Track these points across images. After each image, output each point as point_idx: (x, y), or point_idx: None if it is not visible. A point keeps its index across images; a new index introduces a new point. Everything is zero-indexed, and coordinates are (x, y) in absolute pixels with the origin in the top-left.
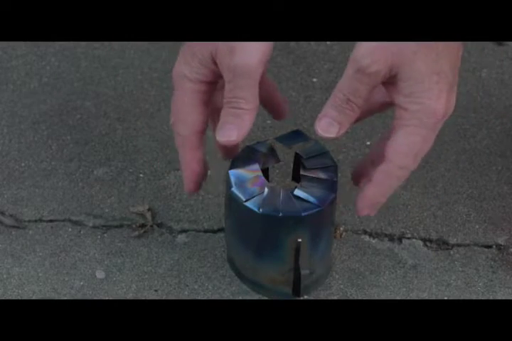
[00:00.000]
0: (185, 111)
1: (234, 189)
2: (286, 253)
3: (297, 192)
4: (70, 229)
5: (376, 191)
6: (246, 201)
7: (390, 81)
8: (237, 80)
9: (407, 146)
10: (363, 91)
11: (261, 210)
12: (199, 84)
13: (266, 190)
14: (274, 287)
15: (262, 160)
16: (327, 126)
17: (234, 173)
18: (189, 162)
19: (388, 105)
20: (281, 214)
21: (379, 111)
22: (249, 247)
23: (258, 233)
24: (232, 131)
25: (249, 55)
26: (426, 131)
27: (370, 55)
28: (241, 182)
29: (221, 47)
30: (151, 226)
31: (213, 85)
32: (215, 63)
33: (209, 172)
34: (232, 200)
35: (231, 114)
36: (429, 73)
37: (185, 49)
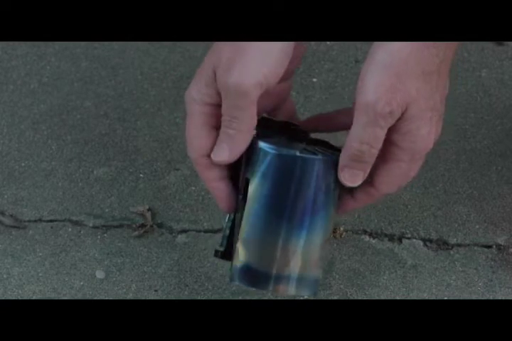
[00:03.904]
0: (192, 135)
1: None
2: (331, 211)
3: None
4: (70, 229)
5: (355, 207)
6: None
7: None
8: (232, 99)
9: (395, 178)
10: (382, 134)
11: (319, 156)
12: (204, 106)
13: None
14: (303, 274)
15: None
16: (353, 177)
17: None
18: (207, 182)
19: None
20: (335, 157)
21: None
22: (288, 220)
23: (309, 188)
24: (225, 151)
25: (247, 76)
26: (414, 163)
27: (383, 96)
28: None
29: (222, 63)
30: (151, 226)
31: (220, 108)
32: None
33: None
34: (283, 161)
35: (225, 134)
36: (425, 110)
37: (199, 70)
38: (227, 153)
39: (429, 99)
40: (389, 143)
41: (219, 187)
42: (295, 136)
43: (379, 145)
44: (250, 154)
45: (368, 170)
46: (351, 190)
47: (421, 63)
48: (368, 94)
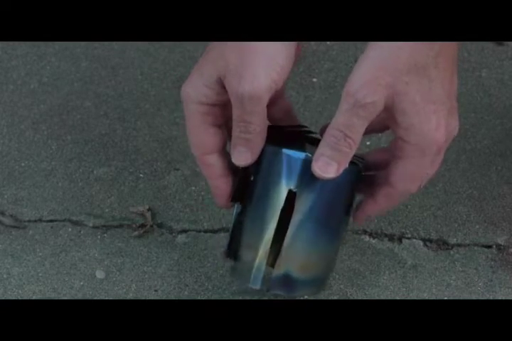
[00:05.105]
0: (192, 133)
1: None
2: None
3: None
4: (70, 229)
5: (376, 209)
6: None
7: (388, 114)
8: (246, 107)
9: (410, 175)
10: (360, 125)
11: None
12: (201, 105)
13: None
14: (322, 276)
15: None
16: (325, 166)
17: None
18: (208, 178)
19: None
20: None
21: (379, 131)
22: (328, 228)
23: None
24: (246, 153)
25: (258, 83)
26: (429, 159)
27: (365, 86)
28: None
29: (230, 72)
30: (151, 226)
31: (218, 107)
32: (220, 85)
33: None
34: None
35: (242, 138)
36: (424, 103)
37: (195, 68)
38: (248, 155)
39: (427, 93)
40: (398, 140)
41: (219, 185)
42: (313, 142)
43: (355, 135)
44: (284, 164)
45: (344, 163)
46: (372, 194)
47: (413, 56)
48: (351, 84)
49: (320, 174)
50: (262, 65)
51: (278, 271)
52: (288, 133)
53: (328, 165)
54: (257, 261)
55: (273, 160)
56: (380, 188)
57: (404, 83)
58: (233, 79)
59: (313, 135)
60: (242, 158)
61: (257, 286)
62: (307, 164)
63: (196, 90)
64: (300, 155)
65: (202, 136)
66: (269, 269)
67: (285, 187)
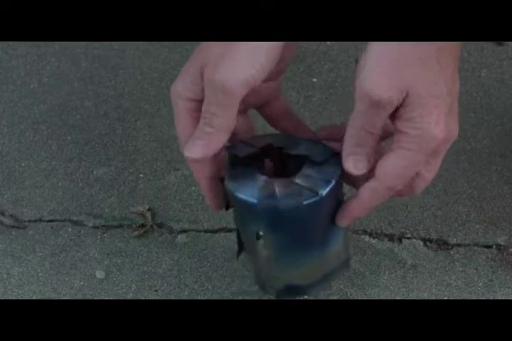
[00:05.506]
0: (181, 131)
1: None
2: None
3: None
4: (70, 229)
5: (358, 206)
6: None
7: None
8: (216, 97)
9: (398, 169)
10: (381, 121)
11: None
12: (189, 102)
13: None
14: (338, 264)
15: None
16: (357, 164)
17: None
18: (198, 178)
19: (389, 133)
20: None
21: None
22: (316, 244)
23: (322, 221)
24: (199, 148)
25: (233, 74)
26: (422, 157)
27: (377, 83)
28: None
29: (210, 61)
30: (151, 226)
31: None
32: (203, 79)
33: None
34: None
35: (202, 131)
36: (428, 97)
37: (185, 66)
38: (201, 150)
39: (431, 87)
40: (398, 132)
41: (209, 185)
42: (278, 162)
43: (378, 131)
44: (245, 207)
45: (371, 157)
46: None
47: (416, 51)
48: (363, 81)
49: (352, 172)
50: (241, 60)
51: (278, 283)
52: (256, 155)
53: (359, 162)
54: (257, 273)
55: (233, 199)
56: (364, 184)
57: (413, 75)
58: (210, 68)
59: (285, 148)
60: (194, 151)
61: (278, 296)
62: (266, 209)
63: (184, 87)
64: (253, 200)
65: (189, 133)
66: (270, 282)
67: (251, 226)
